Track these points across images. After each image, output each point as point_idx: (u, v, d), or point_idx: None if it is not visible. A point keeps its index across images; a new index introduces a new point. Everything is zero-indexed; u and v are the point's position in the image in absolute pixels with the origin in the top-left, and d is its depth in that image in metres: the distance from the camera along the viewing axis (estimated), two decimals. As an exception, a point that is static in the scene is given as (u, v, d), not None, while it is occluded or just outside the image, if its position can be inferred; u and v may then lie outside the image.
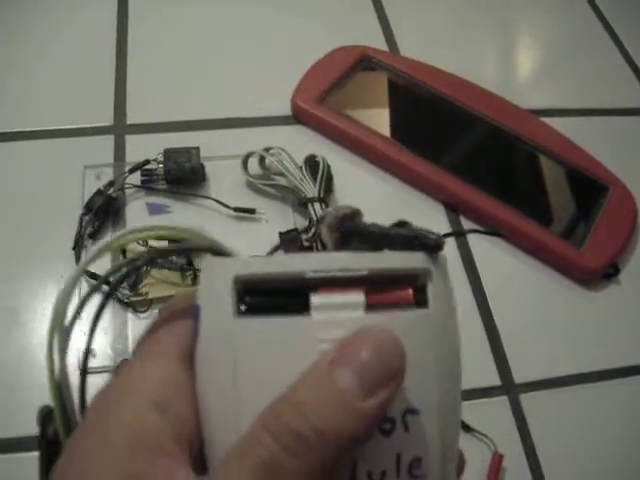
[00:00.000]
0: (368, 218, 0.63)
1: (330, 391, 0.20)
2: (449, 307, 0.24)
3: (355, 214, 0.25)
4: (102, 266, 0.34)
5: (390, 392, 0.20)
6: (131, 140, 0.66)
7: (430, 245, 0.23)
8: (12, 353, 0.55)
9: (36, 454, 0.26)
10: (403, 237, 0.23)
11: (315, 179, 0.62)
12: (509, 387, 0.58)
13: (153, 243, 0.33)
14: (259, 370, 0.22)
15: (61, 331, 0.25)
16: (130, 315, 0.56)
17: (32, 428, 0.27)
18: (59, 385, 0.25)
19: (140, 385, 0.23)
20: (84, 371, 0.27)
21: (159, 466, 0.21)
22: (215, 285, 0.22)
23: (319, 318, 0.22)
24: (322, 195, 0.61)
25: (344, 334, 0.21)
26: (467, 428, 0.55)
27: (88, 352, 0.27)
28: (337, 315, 0.22)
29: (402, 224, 0.24)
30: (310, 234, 0.59)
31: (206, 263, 0.24)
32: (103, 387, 0.24)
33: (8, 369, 0.54)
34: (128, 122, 0.67)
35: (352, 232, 0.25)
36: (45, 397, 0.26)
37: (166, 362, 0.24)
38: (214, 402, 0.22)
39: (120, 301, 0.57)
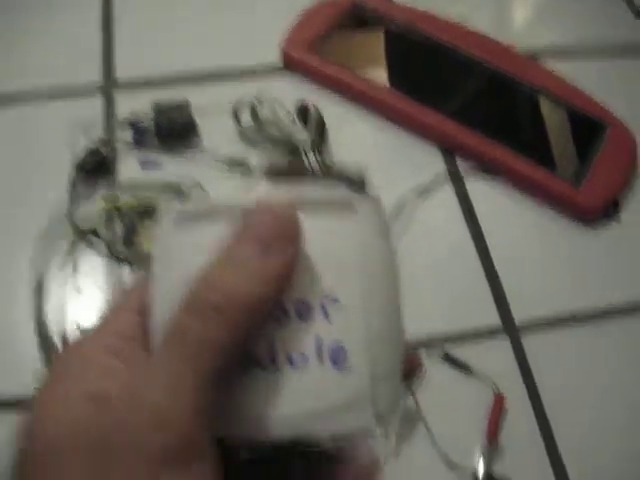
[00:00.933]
0: (365, 160, 0.63)
1: (236, 262, 0.22)
2: (378, 234, 0.25)
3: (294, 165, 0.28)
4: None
5: (291, 252, 0.22)
6: (120, 97, 0.66)
7: (353, 179, 0.25)
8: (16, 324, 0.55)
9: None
10: (331, 177, 0.25)
11: (307, 126, 0.61)
12: (510, 328, 0.58)
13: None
14: (190, 266, 0.23)
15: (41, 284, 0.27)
16: (126, 271, 0.56)
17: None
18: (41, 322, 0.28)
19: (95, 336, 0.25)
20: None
21: (131, 350, 0.24)
22: (162, 225, 0.25)
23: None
24: (315, 141, 0.60)
25: None
26: (467, 369, 0.55)
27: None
28: None
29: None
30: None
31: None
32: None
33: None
34: (116, 79, 0.67)
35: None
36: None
37: (119, 315, 0.26)
38: (159, 314, 0.24)
39: (117, 258, 0.57)
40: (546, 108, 0.68)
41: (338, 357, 0.23)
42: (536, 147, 0.65)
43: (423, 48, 0.70)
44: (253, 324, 0.22)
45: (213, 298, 0.21)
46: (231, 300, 0.21)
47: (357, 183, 0.24)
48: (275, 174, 0.25)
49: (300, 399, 0.22)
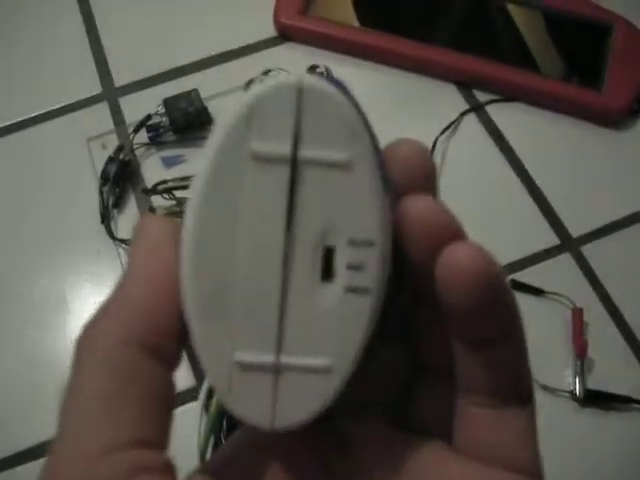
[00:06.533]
0: (381, 114, 0.62)
1: None
2: None
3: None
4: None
5: None
6: (125, 101, 0.64)
7: None
8: (67, 343, 0.54)
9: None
10: None
11: (322, 90, 0.60)
12: (568, 243, 0.57)
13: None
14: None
15: None
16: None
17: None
18: None
19: None
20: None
21: None
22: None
23: None
24: (334, 103, 0.59)
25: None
26: (539, 292, 0.55)
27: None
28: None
29: None
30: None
31: None
32: None
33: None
34: (116, 85, 0.65)
35: None
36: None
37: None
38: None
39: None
40: (547, 21, 0.67)
41: None
42: (546, 61, 0.64)
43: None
44: None
45: None
46: None
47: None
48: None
49: None
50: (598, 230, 0.58)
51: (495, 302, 0.19)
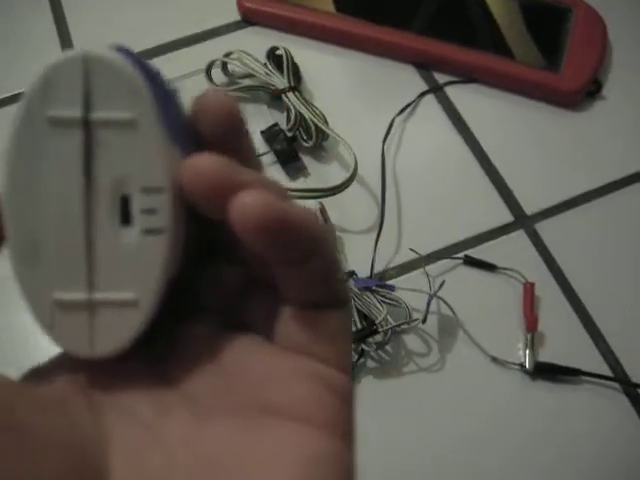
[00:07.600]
0: (341, 94, 0.63)
1: None
2: None
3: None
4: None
5: None
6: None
7: None
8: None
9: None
10: None
11: (281, 70, 0.61)
12: (522, 220, 0.58)
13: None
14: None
15: None
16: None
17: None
18: None
19: None
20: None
21: None
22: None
23: None
24: (293, 83, 0.60)
25: None
26: (492, 267, 0.56)
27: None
28: None
29: None
30: (291, 123, 0.58)
31: None
32: None
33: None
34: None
35: None
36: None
37: None
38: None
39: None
40: (505, 4, 0.67)
41: None
42: (506, 43, 0.65)
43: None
44: None
45: None
46: None
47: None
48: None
49: None
50: (552, 208, 0.59)
51: (284, 234, 0.21)
